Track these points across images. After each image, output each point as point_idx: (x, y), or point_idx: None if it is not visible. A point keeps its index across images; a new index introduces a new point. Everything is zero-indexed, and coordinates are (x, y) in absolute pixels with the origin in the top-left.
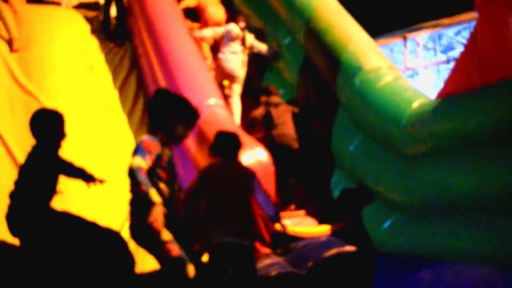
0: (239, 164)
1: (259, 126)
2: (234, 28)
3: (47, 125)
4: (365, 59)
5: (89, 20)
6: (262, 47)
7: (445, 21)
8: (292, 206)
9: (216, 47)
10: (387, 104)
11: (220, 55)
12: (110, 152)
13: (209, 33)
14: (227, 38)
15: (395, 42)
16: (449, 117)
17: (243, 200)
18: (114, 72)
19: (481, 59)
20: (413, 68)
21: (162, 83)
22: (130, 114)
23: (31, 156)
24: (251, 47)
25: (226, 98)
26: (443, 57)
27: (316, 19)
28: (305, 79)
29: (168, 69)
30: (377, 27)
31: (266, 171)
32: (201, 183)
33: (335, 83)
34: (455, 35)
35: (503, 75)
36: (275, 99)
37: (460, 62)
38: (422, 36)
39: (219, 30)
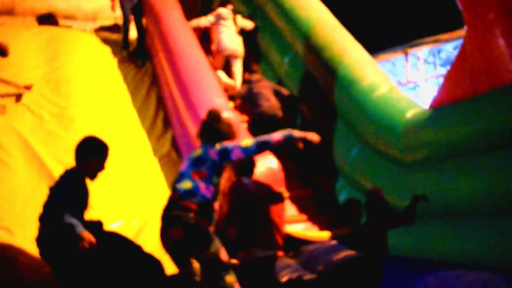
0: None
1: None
2: (223, 10)
3: (92, 155)
4: (360, 72)
5: (110, 42)
6: (248, 24)
7: (444, 36)
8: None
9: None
10: (382, 114)
11: (219, 36)
12: (130, 167)
13: (203, 21)
14: (220, 19)
15: (397, 56)
16: (442, 125)
17: (266, 212)
18: (135, 91)
19: (471, 70)
20: (414, 81)
21: (178, 99)
22: (150, 130)
23: (63, 180)
24: (243, 27)
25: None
26: (443, 70)
27: (314, 35)
28: (305, 92)
29: (183, 86)
30: (380, 43)
31: (276, 178)
32: (237, 204)
33: (333, 95)
34: (454, 49)
35: (491, 84)
36: (256, 76)
37: (451, 73)
38: (422, 51)
39: (210, 17)
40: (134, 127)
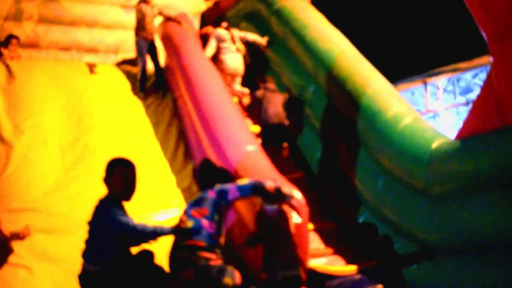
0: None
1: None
2: (221, 31)
3: (115, 169)
4: (384, 102)
5: (131, 75)
6: (250, 36)
7: (463, 65)
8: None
9: None
10: (408, 145)
11: (222, 57)
12: (153, 199)
13: (210, 50)
14: (220, 41)
15: (416, 86)
16: (469, 157)
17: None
18: (156, 123)
19: (498, 100)
20: (434, 111)
21: (200, 131)
22: (171, 162)
23: (103, 208)
24: (243, 39)
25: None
26: (462, 99)
27: (337, 67)
28: (328, 123)
29: (205, 118)
30: (398, 73)
31: (301, 211)
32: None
33: (356, 125)
34: (473, 77)
35: None
36: (271, 85)
37: (477, 104)
38: (441, 80)
39: (213, 42)
40: (156, 160)
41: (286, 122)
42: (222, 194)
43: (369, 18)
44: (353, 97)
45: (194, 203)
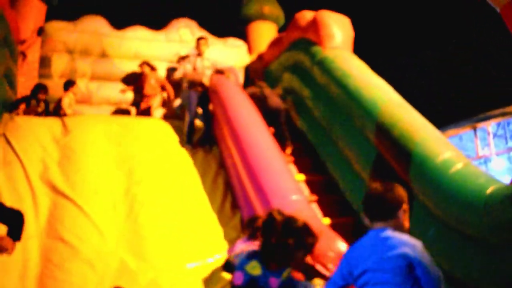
0: None
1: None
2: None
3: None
4: (432, 149)
5: (178, 127)
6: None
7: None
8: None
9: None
10: (460, 191)
11: None
12: (200, 249)
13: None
14: None
15: (464, 131)
16: None
17: None
18: (203, 175)
19: None
20: (486, 156)
21: (246, 182)
22: (219, 214)
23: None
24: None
25: None
26: None
27: (384, 115)
28: (378, 174)
29: (251, 168)
30: (446, 118)
31: None
32: None
33: (408, 175)
34: None
35: None
36: (263, 84)
37: None
38: (491, 125)
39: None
40: (203, 211)
41: (282, 107)
42: None
43: (415, 64)
44: (402, 146)
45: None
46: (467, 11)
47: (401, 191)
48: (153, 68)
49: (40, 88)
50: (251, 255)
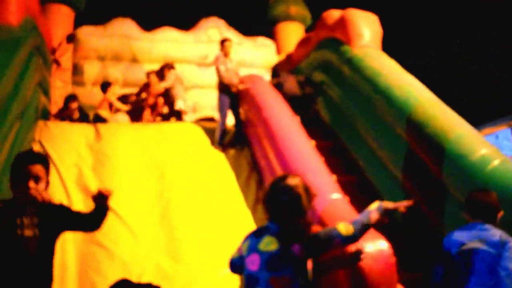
0: None
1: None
2: None
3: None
4: (468, 146)
5: (209, 130)
6: None
7: None
8: None
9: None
10: (497, 188)
11: None
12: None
13: None
14: None
15: (501, 130)
16: None
17: None
18: (235, 176)
19: None
20: None
21: None
22: (252, 213)
23: None
24: None
25: None
26: None
27: (417, 113)
28: (410, 171)
29: (289, 169)
30: (482, 116)
31: (388, 261)
32: None
33: (441, 172)
34: None
35: None
36: (284, 73)
37: None
38: None
39: None
40: (236, 213)
41: (298, 93)
42: (316, 247)
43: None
44: (436, 143)
45: (268, 264)
46: None
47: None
48: (162, 77)
49: (70, 99)
50: (259, 233)
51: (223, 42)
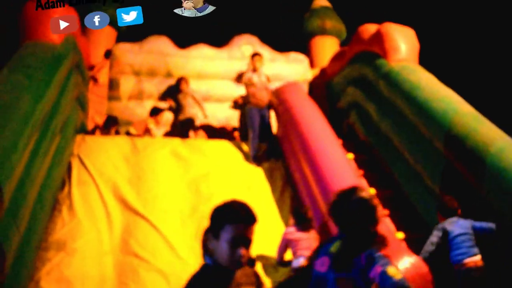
0: None
1: None
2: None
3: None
4: (511, 159)
5: (242, 147)
6: None
7: None
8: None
9: None
10: None
11: None
12: (271, 268)
13: None
14: None
15: None
16: None
17: None
18: (270, 191)
19: None
20: None
21: (318, 195)
22: (287, 225)
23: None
24: None
25: None
26: None
27: (456, 127)
28: (448, 186)
29: (323, 182)
30: None
31: (425, 279)
32: None
33: (482, 186)
34: None
35: None
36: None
37: None
38: None
39: None
40: (270, 227)
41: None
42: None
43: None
44: (476, 157)
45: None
46: None
47: None
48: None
49: (112, 122)
50: (330, 240)
51: (252, 56)
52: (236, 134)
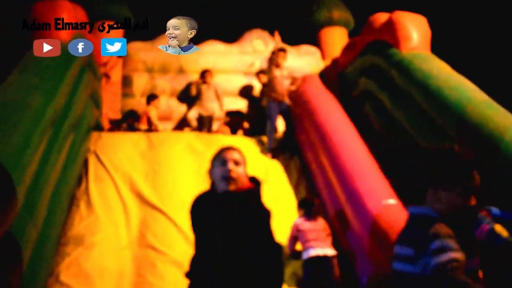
0: None
1: None
2: None
3: None
4: None
5: (258, 141)
6: None
7: None
8: None
9: None
10: None
11: None
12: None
13: None
14: None
15: None
16: None
17: None
18: (285, 183)
19: None
20: None
21: (337, 186)
22: None
23: None
24: None
25: None
26: None
27: (469, 114)
28: None
29: (343, 171)
30: None
31: None
32: None
33: (495, 173)
34: None
35: None
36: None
37: None
38: None
39: None
40: (286, 221)
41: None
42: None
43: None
44: (490, 144)
45: None
46: None
47: None
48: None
49: (132, 116)
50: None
51: (278, 51)
52: (246, 125)
